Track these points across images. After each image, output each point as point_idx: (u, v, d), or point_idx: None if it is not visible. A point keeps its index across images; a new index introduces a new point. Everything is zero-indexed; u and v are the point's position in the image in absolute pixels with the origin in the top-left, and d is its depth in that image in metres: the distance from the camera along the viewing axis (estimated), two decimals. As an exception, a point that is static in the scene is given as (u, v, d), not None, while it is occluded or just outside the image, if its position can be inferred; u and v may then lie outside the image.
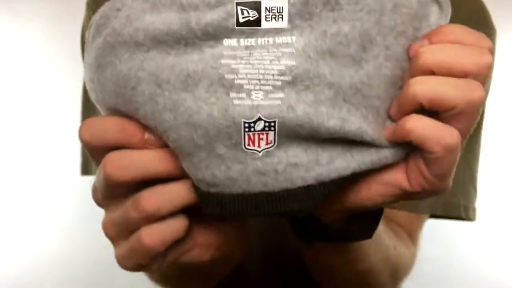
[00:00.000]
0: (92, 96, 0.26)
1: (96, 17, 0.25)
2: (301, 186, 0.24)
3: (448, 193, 0.47)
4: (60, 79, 1.27)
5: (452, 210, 0.49)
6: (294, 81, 0.23)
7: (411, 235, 0.48)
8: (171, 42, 0.23)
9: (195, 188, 0.25)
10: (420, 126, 0.23)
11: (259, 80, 0.23)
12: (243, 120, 0.23)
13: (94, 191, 0.27)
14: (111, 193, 0.25)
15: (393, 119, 0.25)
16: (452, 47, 0.24)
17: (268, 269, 0.50)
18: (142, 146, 0.25)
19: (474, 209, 0.50)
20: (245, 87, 0.23)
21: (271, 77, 0.23)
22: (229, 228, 0.29)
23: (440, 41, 0.24)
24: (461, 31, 0.24)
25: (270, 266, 0.50)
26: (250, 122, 0.23)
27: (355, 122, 0.24)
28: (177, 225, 0.25)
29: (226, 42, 0.23)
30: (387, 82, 0.25)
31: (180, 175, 0.25)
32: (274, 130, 0.23)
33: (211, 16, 0.23)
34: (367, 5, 0.23)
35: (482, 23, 0.46)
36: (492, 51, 0.24)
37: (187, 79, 0.23)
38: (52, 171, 1.33)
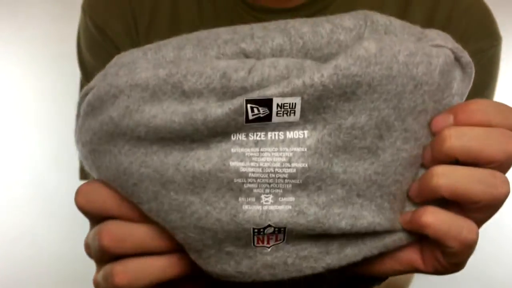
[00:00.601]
0: (85, 167, 0.25)
1: (89, 95, 0.23)
2: (310, 274, 0.24)
3: None
4: (59, 79, 1.27)
5: None
6: (306, 183, 0.21)
7: None
8: (175, 139, 0.21)
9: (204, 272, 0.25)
10: (437, 222, 0.22)
11: (269, 184, 0.21)
12: (252, 227, 0.22)
13: (87, 247, 0.26)
14: (103, 259, 0.25)
15: (412, 201, 0.24)
16: (479, 133, 0.22)
17: None
18: (141, 220, 0.24)
19: None
20: (255, 191, 0.21)
21: (281, 180, 0.21)
22: None
23: (466, 121, 0.23)
24: (488, 110, 0.23)
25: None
26: (260, 228, 0.22)
27: (368, 217, 0.23)
28: None
29: (234, 136, 0.21)
30: (405, 165, 0.23)
31: (176, 251, 0.25)
32: (284, 232, 0.22)
33: (217, 114, 0.20)
34: (386, 92, 0.21)
35: (488, 33, 0.46)
36: None
37: (193, 181, 0.21)
38: (50, 171, 1.33)
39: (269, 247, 0.23)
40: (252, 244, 0.23)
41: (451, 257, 0.23)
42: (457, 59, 0.24)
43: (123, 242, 0.24)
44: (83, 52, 0.50)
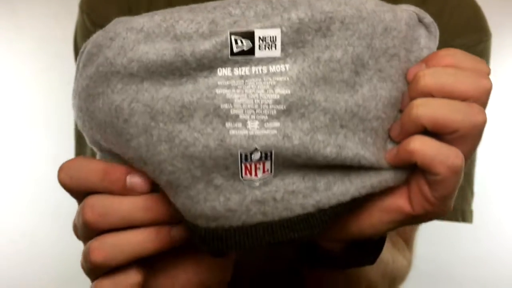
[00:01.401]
0: (79, 124, 0.26)
1: (88, 45, 0.25)
2: (300, 214, 0.24)
3: None
4: (59, 77, 1.27)
5: (448, 215, 0.48)
6: (290, 110, 0.23)
7: (407, 241, 0.48)
8: (165, 73, 0.23)
9: (192, 227, 0.24)
10: (424, 147, 0.23)
11: (255, 110, 0.23)
12: (239, 151, 0.23)
13: (74, 227, 0.26)
14: (89, 236, 0.25)
15: (394, 140, 0.25)
16: (452, 70, 0.23)
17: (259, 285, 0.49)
18: (124, 193, 0.24)
19: (471, 212, 0.50)
20: (241, 117, 0.23)
21: (266, 106, 0.23)
22: (212, 263, 0.28)
23: (438, 65, 0.24)
24: (458, 55, 0.24)
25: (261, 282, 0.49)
26: (247, 153, 0.23)
27: (352, 148, 0.23)
28: (127, 282, 0.25)
29: (220, 71, 0.23)
30: (385, 103, 0.24)
31: (160, 222, 0.25)
32: (271, 159, 0.23)
33: (205, 47, 0.22)
34: (358, 30, 0.23)
35: (477, 28, 0.47)
36: (489, 75, 0.24)
37: (182, 110, 0.23)
38: (49, 171, 1.33)
39: (257, 180, 0.24)
40: (240, 175, 0.23)
41: (439, 187, 0.23)
42: (420, 20, 0.26)
43: (106, 215, 0.24)
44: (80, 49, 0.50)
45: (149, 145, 0.23)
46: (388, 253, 0.41)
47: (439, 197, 0.24)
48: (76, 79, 0.26)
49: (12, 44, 1.31)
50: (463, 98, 0.23)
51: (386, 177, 0.25)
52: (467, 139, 0.23)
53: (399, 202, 0.25)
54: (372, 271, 0.37)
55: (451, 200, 0.24)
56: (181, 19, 0.23)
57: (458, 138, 0.23)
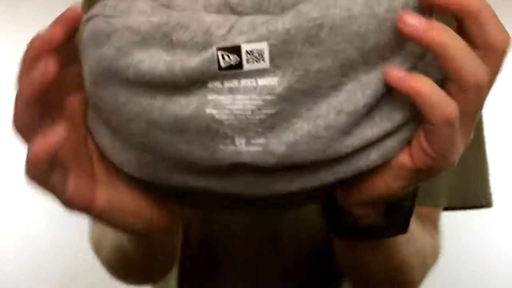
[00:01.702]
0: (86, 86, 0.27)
1: (89, 25, 0.25)
2: (285, 193, 0.26)
3: (466, 182, 0.49)
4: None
5: (471, 199, 0.50)
6: (274, 126, 0.23)
7: (433, 223, 0.49)
8: (158, 85, 0.23)
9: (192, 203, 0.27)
10: (431, 92, 0.23)
11: (242, 129, 0.23)
12: (227, 163, 0.24)
13: None
14: None
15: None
16: (492, 13, 0.24)
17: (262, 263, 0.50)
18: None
19: (490, 194, 0.51)
20: (229, 135, 0.24)
21: (252, 126, 0.23)
22: (165, 214, 0.31)
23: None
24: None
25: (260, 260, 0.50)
26: (236, 164, 0.24)
27: (335, 146, 0.24)
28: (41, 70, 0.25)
29: (211, 84, 0.23)
30: (376, 90, 0.24)
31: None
32: (257, 169, 0.25)
33: (194, 62, 0.23)
34: (348, 33, 0.22)
35: None
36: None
37: (176, 123, 0.24)
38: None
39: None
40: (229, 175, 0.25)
41: (434, 138, 0.24)
42: None
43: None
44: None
45: (151, 145, 0.25)
46: (417, 231, 0.42)
47: (437, 150, 0.25)
48: (84, 50, 0.26)
49: (12, 45, 1.31)
50: (486, 46, 0.24)
51: (374, 158, 0.25)
52: (466, 93, 0.24)
53: (401, 158, 0.26)
54: (405, 247, 0.38)
55: (451, 155, 0.25)
56: (178, 24, 0.23)
57: (460, 90, 0.24)
